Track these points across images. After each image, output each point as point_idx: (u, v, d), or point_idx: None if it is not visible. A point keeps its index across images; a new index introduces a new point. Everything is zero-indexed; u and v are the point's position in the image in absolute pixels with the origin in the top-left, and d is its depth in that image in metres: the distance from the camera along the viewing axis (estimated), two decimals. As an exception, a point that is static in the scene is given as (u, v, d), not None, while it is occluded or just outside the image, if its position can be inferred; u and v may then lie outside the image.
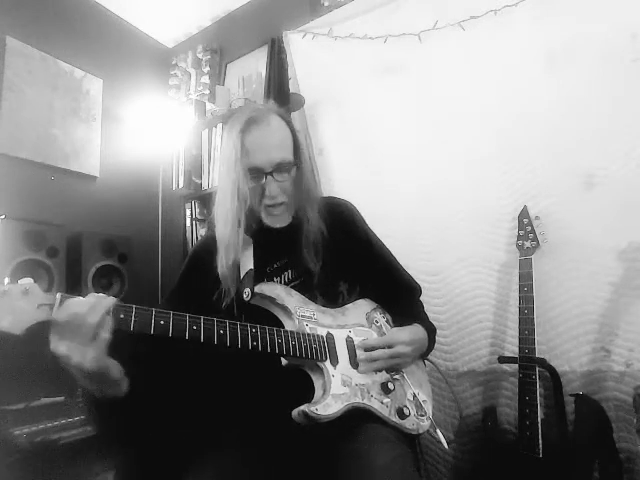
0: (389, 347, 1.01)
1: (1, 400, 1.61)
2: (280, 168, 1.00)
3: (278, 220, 1.04)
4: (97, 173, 2.43)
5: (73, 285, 1.98)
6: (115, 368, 0.78)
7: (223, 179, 1.03)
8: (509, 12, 1.67)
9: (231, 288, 1.00)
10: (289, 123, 1.07)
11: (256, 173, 0.99)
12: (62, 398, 1.75)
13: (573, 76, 1.55)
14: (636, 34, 1.46)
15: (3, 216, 1.78)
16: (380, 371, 1.00)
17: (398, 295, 1.16)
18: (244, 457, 0.90)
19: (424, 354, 1.14)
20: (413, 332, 1.07)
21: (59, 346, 0.71)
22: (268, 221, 1.03)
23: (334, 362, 0.94)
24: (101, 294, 0.77)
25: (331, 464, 0.86)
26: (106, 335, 0.74)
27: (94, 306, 0.73)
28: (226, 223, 1.01)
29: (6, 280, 0.75)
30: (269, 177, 0.99)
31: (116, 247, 2.16)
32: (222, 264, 1.01)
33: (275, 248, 1.06)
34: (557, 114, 1.57)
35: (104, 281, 2.09)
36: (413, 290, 1.22)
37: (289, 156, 1.03)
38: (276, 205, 1.02)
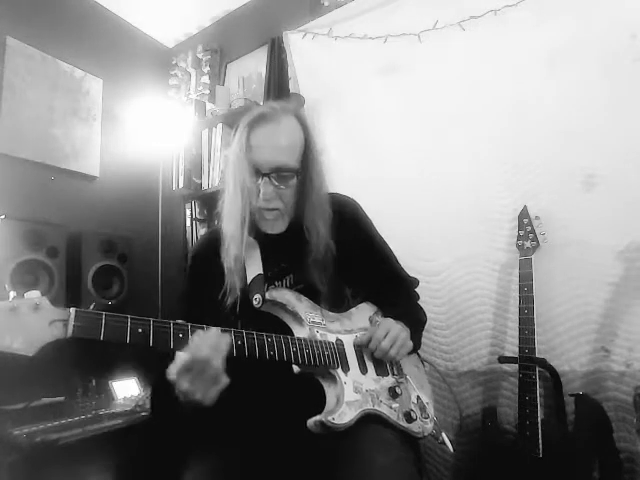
0: (384, 337, 0.97)
1: (1, 400, 1.61)
2: (279, 172, 0.96)
3: (270, 226, 1.01)
4: (97, 173, 2.42)
5: (73, 285, 1.98)
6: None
7: (229, 173, 1.02)
8: (509, 12, 1.67)
9: (237, 283, 0.98)
10: (306, 128, 1.03)
11: (255, 171, 0.96)
12: (62, 398, 1.75)
13: (573, 76, 1.55)
14: (636, 34, 1.46)
15: (3, 216, 1.77)
16: (391, 360, 1.00)
17: (390, 285, 1.14)
18: (244, 455, 0.90)
19: (414, 337, 1.05)
20: (389, 322, 1.02)
21: (183, 382, 0.76)
22: (260, 225, 1.01)
23: (345, 369, 0.94)
24: (215, 330, 0.80)
25: (332, 465, 0.85)
26: (226, 380, 0.79)
27: (216, 348, 0.77)
28: (230, 219, 1.00)
29: (11, 294, 0.72)
30: (265, 178, 0.96)
31: (116, 247, 2.15)
32: (227, 259, 1.00)
33: (275, 252, 1.04)
34: (557, 114, 1.57)
35: (104, 281, 2.08)
36: (405, 280, 1.19)
37: (293, 163, 0.98)
38: (268, 210, 0.98)
